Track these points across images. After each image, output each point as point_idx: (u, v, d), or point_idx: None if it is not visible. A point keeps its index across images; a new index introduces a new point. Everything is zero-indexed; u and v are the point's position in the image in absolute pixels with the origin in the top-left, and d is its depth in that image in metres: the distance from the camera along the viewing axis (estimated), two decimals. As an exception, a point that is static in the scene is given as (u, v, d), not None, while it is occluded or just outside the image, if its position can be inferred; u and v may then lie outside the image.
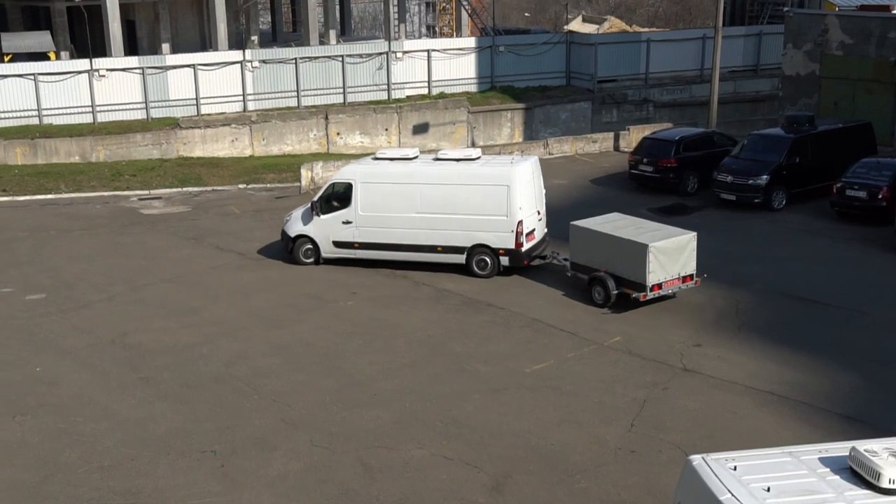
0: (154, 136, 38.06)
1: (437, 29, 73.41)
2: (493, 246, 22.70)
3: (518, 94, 44.39)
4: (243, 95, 40.50)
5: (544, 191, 24.36)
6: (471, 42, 45.55)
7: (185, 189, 33.84)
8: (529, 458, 14.35)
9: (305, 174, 33.41)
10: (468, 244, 22.86)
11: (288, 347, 18.77)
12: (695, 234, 20.94)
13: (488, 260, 22.79)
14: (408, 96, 43.30)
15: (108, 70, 38.59)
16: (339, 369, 17.65)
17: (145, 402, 16.38)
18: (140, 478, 13.97)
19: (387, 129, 41.56)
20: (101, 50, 43.51)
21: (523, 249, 22.65)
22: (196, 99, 39.67)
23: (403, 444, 14.81)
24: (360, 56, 42.51)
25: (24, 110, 37.75)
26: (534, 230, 23.18)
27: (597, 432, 15.12)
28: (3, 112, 37.54)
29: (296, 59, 41.27)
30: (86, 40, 40.25)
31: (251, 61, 40.57)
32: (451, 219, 22.84)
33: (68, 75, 38.24)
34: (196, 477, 13.97)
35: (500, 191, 22.45)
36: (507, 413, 15.79)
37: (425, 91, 43.76)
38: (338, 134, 40.92)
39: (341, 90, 42.06)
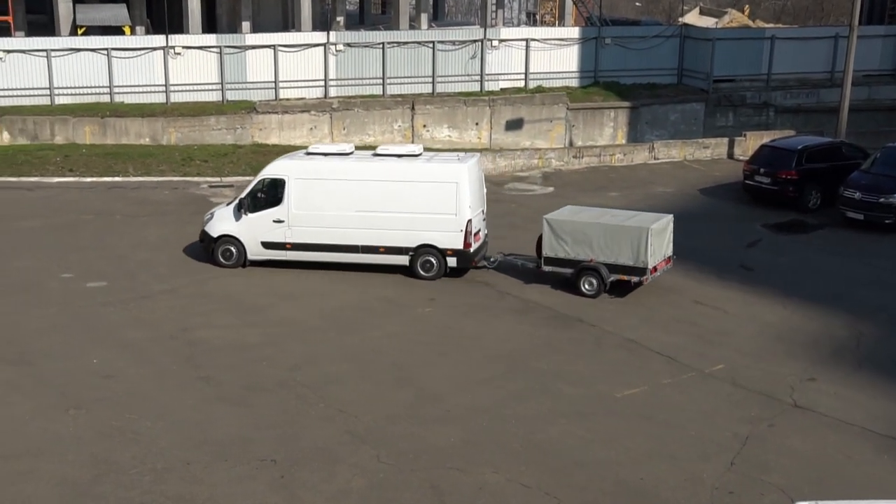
0: (229, 121, 38.87)
1: (537, 17, 73.30)
2: (441, 246, 23.14)
3: (623, 91, 44.03)
4: (325, 80, 41.06)
5: (485, 190, 24.90)
6: (574, 32, 45.35)
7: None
8: (615, 492, 14.22)
9: (387, 168, 33.60)
10: (413, 244, 23.25)
11: (358, 354, 18.97)
12: (672, 216, 23.15)
13: (434, 261, 23.26)
14: (502, 89, 43.31)
15: (183, 48, 39.55)
16: (412, 381, 17.76)
17: (204, 403, 16.74)
18: (194, 484, 14.28)
19: (477, 124, 41.65)
20: (178, 26, 44.61)
21: (472, 249, 23.21)
22: (275, 82, 40.38)
23: (477, 466, 14.81)
24: (453, 43, 42.70)
25: (95, 87, 38.93)
26: (479, 230, 23.81)
27: (692, 469, 14.90)
28: (74, 88, 38.77)
29: (383, 43, 41.68)
30: (163, 15, 41.30)
31: (335, 44, 41.12)
32: (394, 218, 23.18)
33: (143, 51, 39.31)
34: (254, 487, 14.21)
35: (449, 188, 22.95)
36: (593, 440, 15.67)
37: (521, 84, 43.73)
38: (424, 126, 41.17)
39: (430, 79, 42.31)
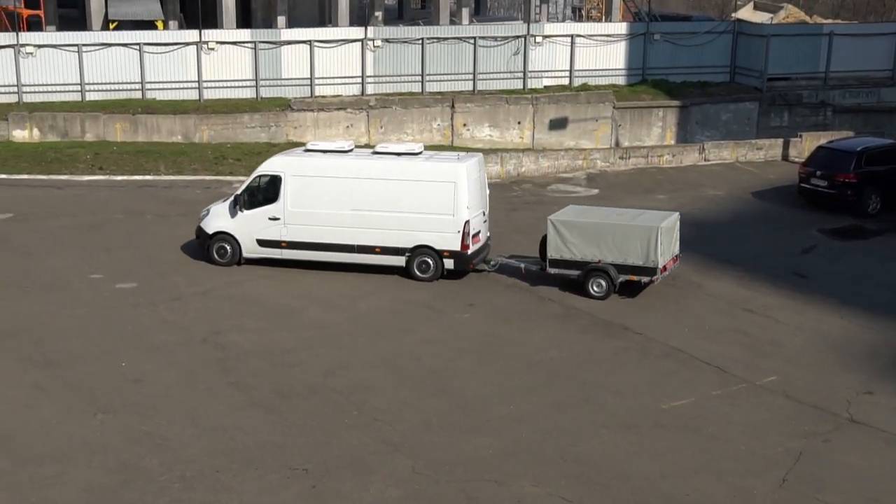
0: (263, 118, 39.13)
1: (583, 12, 73.01)
2: (437, 247, 23.32)
3: (672, 89, 43.77)
4: (362, 77, 41.22)
5: (488, 191, 25.00)
6: (621, 28, 45.18)
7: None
8: (660, 508, 14.14)
9: (425, 168, 33.66)
10: (409, 245, 23.45)
11: (394, 360, 19.02)
12: (678, 213, 23.52)
13: (431, 262, 23.44)
14: (545, 86, 43.23)
15: (217, 43, 39.88)
16: (449, 389, 17.77)
17: (235, 409, 16.86)
18: (224, 492, 14.38)
19: (519, 123, 41.61)
20: (212, 21, 45.00)
21: (469, 252, 23.39)
22: (310, 79, 40.59)
23: (516, 479, 14.79)
24: (495, 39, 42.71)
25: (126, 83, 39.36)
26: (479, 232, 23.93)
27: (741, 485, 14.77)
28: (105, 84, 39.23)
29: (422, 39, 41.77)
30: (196, 10, 41.68)
31: (373, 40, 41.26)
32: (391, 217, 23.43)
33: (175, 47, 39.70)
34: (285, 496, 14.29)
35: (447, 188, 23.16)
36: (638, 454, 15.59)
37: (566, 81, 43.62)
38: (464, 125, 41.19)
39: (471, 76, 42.33)
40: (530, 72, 43.04)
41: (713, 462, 15.40)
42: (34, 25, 44.86)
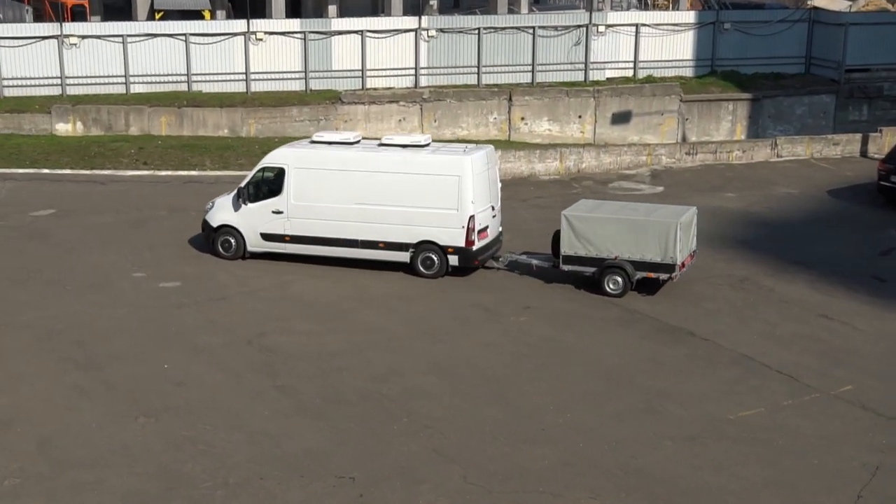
0: (312, 111, 39.39)
1: (649, 0, 72.48)
2: (441, 243, 23.57)
3: (743, 81, 43.33)
4: (415, 69, 41.31)
5: (500, 185, 25.25)
6: (689, 17, 44.82)
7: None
8: (727, 525, 13.98)
9: (481, 164, 33.65)
10: (413, 240, 23.73)
11: (447, 365, 19.01)
12: (695, 208, 23.70)
13: (435, 258, 23.69)
14: (608, 78, 43.02)
15: (266, 33, 40.21)
16: (504, 396, 17.73)
17: (281, 415, 16.96)
18: (268, 500, 14.46)
19: (580, 117, 41.44)
20: (260, 10, 45.41)
21: (474, 248, 23.54)
22: (362, 70, 40.78)
23: (573, 491, 14.71)
24: (555, 28, 42.57)
25: (172, 75, 39.84)
26: (487, 227, 24.04)
27: (813, 501, 14.56)
28: (150, 76, 39.73)
29: (479, 29, 41.76)
30: (244, -1, 42.16)
31: (427, 30, 41.34)
32: (394, 212, 23.69)
33: (223, 37, 40.09)
34: (331, 506, 14.35)
35: (451, 181, 23.33)
36: (703, 467, 15.44)
37: (630, 73, 43.36)
38: (522, 119, 41.11)
39: (530, 68, 42.24)
40: (592, 63, 42.84)
41: (783, 476, 15.19)
42: (78, 16, 45.62)
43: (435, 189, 23.45)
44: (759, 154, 36.85)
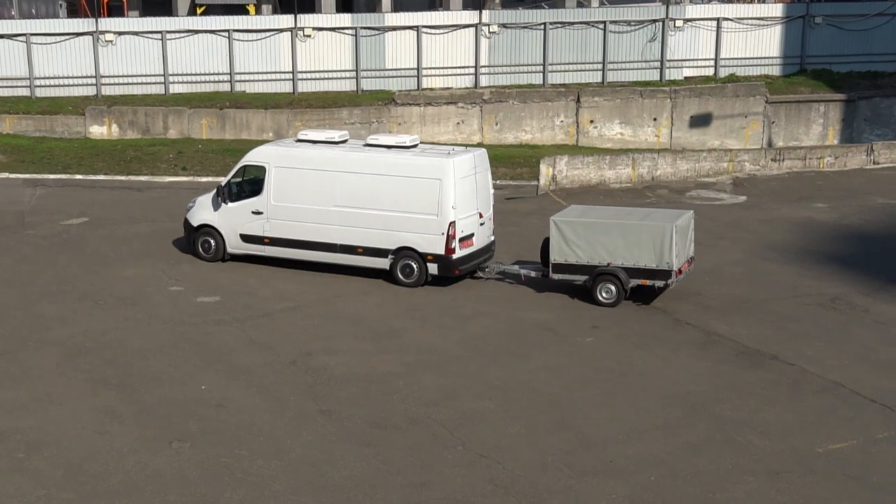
0: (363, 113, 39.62)
1: (732, -9, 72.06)
2: (421, 250, 24.13)
3: (836, 80, 42.86)
4: (475, 67, 41.40)
5: (493, 191, 25.71)
6: (776, 10, 44.44)
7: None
8: (814, 569, 13.77)
9: (546, 171, 33.72)
10: (393, 246, 24.32)
11: (506, 389, 18.96)
12: (692, 212, 24.14)
13: (415, 266, 24.25)
14: (686, 77, 42.80)
15: (314, 29, 40.56)
16: (569, 424, 17.63)
17: (325, 441, 17.00)
18: (311, 534, 14.49)
19: (655, 119, 41.25)
20: (308, 4, 45.78)
21: (455, 256, 24.03)
22: (417, 69, 40.97)
23: (644, 529, 14.57)
24: (628, 23, 42.45)
25: (214, 73, 40.34)
26: (472, 235, 24.51)
27: (912, 544, 14.29)
28: (191, 75, 40.26)
29: (545, 24, 41.77)
30: (292, -8, 42.57)
31: (488, 25, 41.43)
32: (374, 215, 24.37)
33: (268, 34, 40.49)
34: (378, 541, 14.34)
35: (432, 185, 23.87)
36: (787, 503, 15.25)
37: (710, 72, 43.12)
38: (591, 122, 41.01)
39: (600, 66, 42.17)
40: (669, 61, 42.64)
41: (878, 517, 14.94)
42: (115, 10, 46.34)
43: (415, 193, 23.99)
44: (853, 161, 36.41)
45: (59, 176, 34.81)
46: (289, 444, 16.90)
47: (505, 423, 17.66)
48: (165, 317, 22.50)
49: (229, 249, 25.85)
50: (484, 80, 41.62)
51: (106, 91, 40.10)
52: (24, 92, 40.18)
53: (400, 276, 24.37)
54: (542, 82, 41.84)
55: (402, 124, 39.84)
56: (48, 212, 30.57)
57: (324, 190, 24.66)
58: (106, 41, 39.75)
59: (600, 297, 23.01)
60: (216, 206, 25.83)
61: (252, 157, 25.74)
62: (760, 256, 27.21)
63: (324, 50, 40.74)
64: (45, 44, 39.77)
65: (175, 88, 40.31)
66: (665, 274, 22.70)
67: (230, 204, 25.64)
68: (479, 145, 39.81)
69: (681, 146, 40.54)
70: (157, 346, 20.86)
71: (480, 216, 24.83)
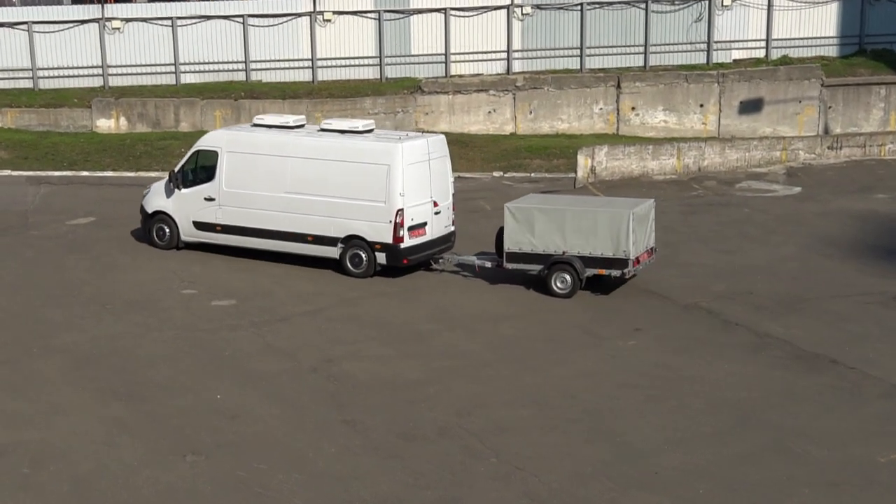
0: (388, 102, 39.67)
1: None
2: (369, 239, 24.98)
3: (899, 61, 42.58)
4: (508, 52, 41.37)
5: (452, 179, 26.38)
6: (832, -14, 44.17)
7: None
8: (876, 588, 13.70)
9: (584, 162, 33.67)
10: (342, 235, 25.21)
11: (542, 396, 18.95)
12: (653, 200, 24.83)
13: (363, 255, 25.09)
14: (735, 60, 42.61)
15: (334, 13, 40.65)
16: (610, 433, 17.60)
17: (349, 453, 17.04)
18: (334, 552, 14.53)
19: (702, 106, 41.08)
20: (328, -14, 45.87)
21: (403, 245, 24.77)
22: (445, 55, 40.98)
23: (692, 546, 14.54)
24: (672, 3, 42.30)
25: (228, 62, 40.50)
26: (424, 224, 25.25)
27: (982, 561, 14.18)
28: (203, 63, 40.45)
29: (581, 4, 41.68)
30: (310, -27, 42.69)
31: (521, 6, 41.40)
32: (323, 203, 25.27)
33: (285, 19, 40.61)
34: (406, 560, 14.36)
35: (379, 171, 24.70)
36: (848, 519, 15.16)
37: (761, 54, 42.90)
38: (633, 109, 40.90)
39: (642, 49, 42.04)
40: (716, 42, 42.46)
41: (946, 532, 14.84)
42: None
43: (364, 179, 24.73)
44: (913, 148, 36.20)
45: (64, 173, 35.05)
46: (310, 456, 16.95)
47: (541, 432, 17.66)
48: (178, 322, 22.62)
49: (183, 237, 26.91)
50: (517, 66, 41.57)
51: (113, 82, 40.34)
52: (27, 84, 40.46)
53: (349, 266, 25.23)
54: (579, 67, 41.73)
55: (430, 114, 39.87)
56: (53, 211, 30.80)
57: (274, 176, 25.60)
58: (113, 29, 39.99)
59: (555, 288, 23.68)
60: (169, 193, 26.87)
61: (205, 142, 26.91)
62: (816, 252, 27.07)
63: (345, 35, 40.82)
64: (49, 32, 40.05)
65: (187, 78, 40.50)
66: (622, 263, 23.35)
67: (183, 190, 26.70)
68: (512, 135, 39.88)
69: (730, 134, 40.36)
70: (169, 353, 20.98)
71: (435, 205, 25.46)
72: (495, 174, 35.80)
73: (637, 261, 23.62)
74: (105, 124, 39.19)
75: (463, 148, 37.30)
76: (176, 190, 26.79)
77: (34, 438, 17.41)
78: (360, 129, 25.83)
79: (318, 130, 26.36)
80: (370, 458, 16.89)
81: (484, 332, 22.04)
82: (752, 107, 41.34)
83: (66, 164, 35.67)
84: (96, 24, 40.00)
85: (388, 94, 39.96)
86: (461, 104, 40.20)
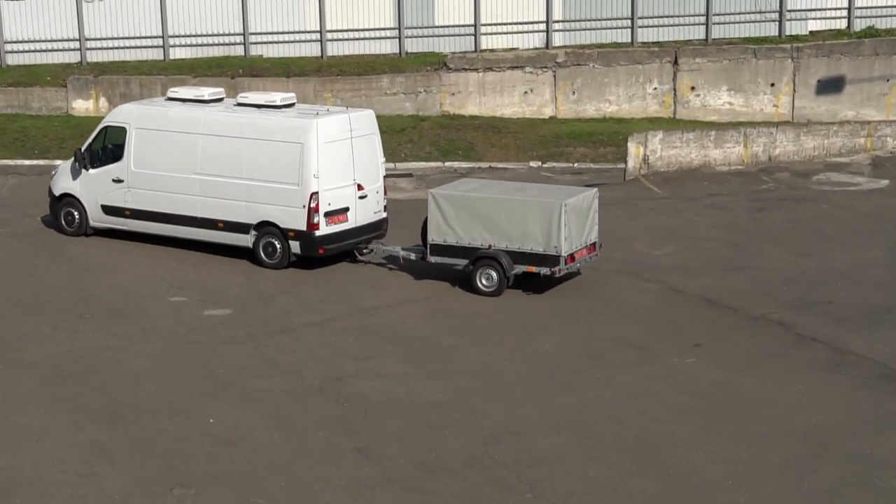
0: (408, 81, 39.67)
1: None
2: (283, 225, 25.77)
3: None
4: (547, 23, 41.33)
5: (383, 160, 27.27)
6: (926, -56, 44.01)
7: (447, 164, 35.02)
8: None
9: (635, 151, 33.62)
10: (254, 221, 26.06)
11: (583, 421, 18.95)
12: (596, 189, 25.45)
13: (277, 244, 25.92)
14: (811, 32, 42.47)
15: (346, -23, 40.70)
16: (661, 464, 17.59)
17: (361, 486, 17.09)
18: None
19: (773, 85, 40.96)
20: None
21: (318, 233, 25.52)
22: (475, 26, 40.96)
23: None
24: (738, -36, 42.22)
25: (223, 34, 40.58)
26: (346, 210, 25.99)
27: None
28: (196, 36, 40.53)
29: (633, -33, 41.65)
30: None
31: (563, -32, 41.38)
32: (234, 185, 26.18)
33: (289, -16, 40.67)
34: None
35: (292, 150, 25.50)
36: (940, 565, 15.12)
37: (842, 24, 42.76)
38: (692, 89, 40.82)
39: (703, 19, 41.94)
40: (789, 11, 42.33)
41: None
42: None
43: (277, 159, 25.46)
44: None
45: (35, 162, 35.23)
46: (316, 489, 17.02)
47: (582, 463, 17.66)
48: (165, 333, 22.72)
49: (91, 223, 27.87)
50: (557, 39, 41.50)
51: (92, 57, 40.48)
52: (-7, 59, 40.73)
53: (263, 255, 26.12)
54: (630, 40, 41.65)
55: (456, 94, 39.83)
56: (22, 206, 30.95)
57: (184, 155, 26.41)
58: (92, -4, 40.17)
59: (480, 285, 24.37)
60: (76, 174, 27.69)
61: (113, 118, 27.88)
62: (906, 255, 27.03)
63: (358, 3, 40.77)
64: (19, 0, 40.21)
65: (176, 53, 40.59)
66: (553, 260, 23.92)
67: (91, 171, 27.55)
68: (552, 119, 39.84)
69: (805, 118, 40.22)
70: (155, 370, 21.06)
71: (360, 188, 26.01)
72: (532, 164, 35.79)
73: (572, 258, 24.18)
74: (82, 106, 39.32)
75: (495, 134, 37.32)
76: (83, 170, 27.64)
77: (1, 466, 17.50)
78: (279, 103, 26.44)
79: (235, 105, 27.01)
80: (385, 492, 16.94)
81: (515, 345, 22.06)
82: (831, 86, 41.20)
83: (38, 152, 35.84)
84: (73, -9, 40.16)
85: (408, 71, 39.94)
86: (493, 83, 40.16)
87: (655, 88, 40.81)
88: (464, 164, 35.05)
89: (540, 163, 35.78)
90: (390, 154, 35.07)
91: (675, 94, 40.86)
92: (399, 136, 36.65)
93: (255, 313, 23.72)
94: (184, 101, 27.51)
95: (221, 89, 28.54)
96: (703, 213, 29.99)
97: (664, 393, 20.01)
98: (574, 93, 40.49)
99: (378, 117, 38.23)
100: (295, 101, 27.18)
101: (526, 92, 40.36)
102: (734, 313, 23.41)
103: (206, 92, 27.66)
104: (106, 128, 27.86)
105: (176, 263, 26.51)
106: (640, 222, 29.94)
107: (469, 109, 39.65)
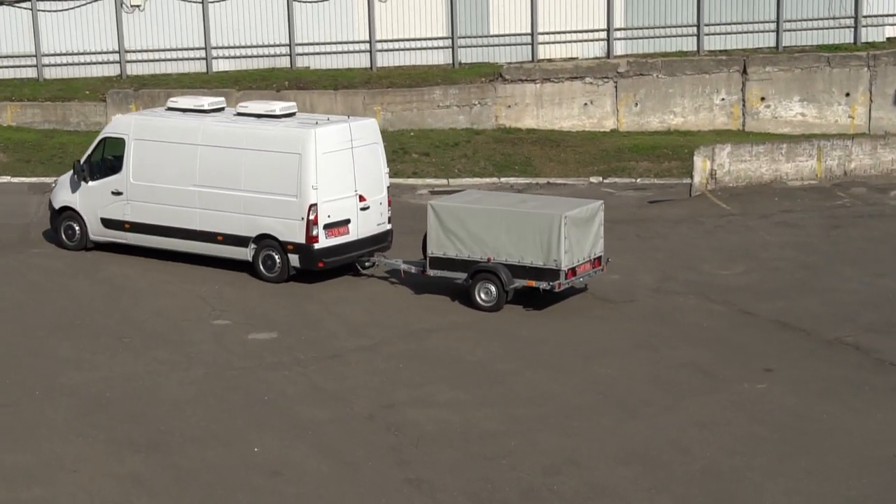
0: (461, 93, 39.70)
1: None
2: (282, 238, 26.23)
3: None
4: (608, 31, 41.30)
5: (386, 170, 27.56)
6: None
7: (503, 179, 34.99)
8: None
9: (702, 165, 33.50)
10: (253, 234, 26.57)
11: (648, 451, 18.85)
12: (602, 202, 25.57)
13: (276, 257, 26.43)
14: (888, 39, 42.23)
15: (396, -15, 40.82)
16: (731, 498, 17.48)
17: (412, 519, 17.09)
18: None
19: (848, 95, 40.75)
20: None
21: (318, 246, 25.89)
22: (532, 35, 40.98)
23: None
24: (810, -33, 42.06)
25: (269, 45, 40.79)
26: (347, 222, 26.30)
27: None
28: (240, 48, 40.74)
29: (699, -30, 41.57)
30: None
31: (625, -26, 41.36)
32: (233, 197, 26.63)
33: (337, -8, 40.84)
34: None
35: (290, 161, 25.85)
36: None
37: (921, 30, 42.46)
38: (762, 99, 40.67)
39: (773, 26, 41.79)
40: (865, 17, 42.12)
41: None
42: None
43: (275, 170, 25.76)
44: None
45: (73, 179, 35.50)
46: (365, 522, 17.01)
47: (647, 495, 17.58)
48: (208, 358, 22.81)
49: (91, 236, 28.36)
50: (619, 48, 41.46)
51: (132, 70, 40.77)
52: (30, 73, 41.04)
53: (262, 269, 26.64)
54: (696, 48, 41.55)
55: (512, 106, 39.82)
56: (59, 225, 31.20)
57: (183, 167, 26.70)
58: (132, 6, 40.42)
59: (479, 300, 24.74)
60: (75, 186, 28.10)
61: (111, 129, 28.33)
62: None
63: (409, 12, 40.89)
64: (56, 11, 40.56)
65: (220, 65, 40.82)
66: (553, 274, 24.17)
67: (90, 183, 27.97)
68: (614, 132, 39.77)
69: (883, 130, 39.97)
70: (197, 397, 21.14)
71: (362, 199, 26.21)
72: (593, 180, 35.72)
73: (573, 272, 24.35)
74: (122, 121, 39.56)
75: (553, 148, 37.29)
76: (82, 183, 28.07)
77: (35, 497, 17.60)
78: (278, 112, 26.72)
79: (235, 115, 27.34)
80: (438, 526, 16.92)
81: (575, 370, 22.00)
82: (911, 96, 41.03)
83: (76, 169, 36.11)
84: (112, 2, 40.45)
85: (461, 82, 39.98)
86: (551, 94, 40.15)
87: (723, 99, 40.68)
88: (520, 180, 35.02)
89: (601, 178, 35.72)
90: (444, 170, 35.23)
91: (743, 104, 40.72)
92: (452, 151, 36.70)
93: (301, 337, 23.78)
94: (184, 110, 27.92)
95: (223, 99, 28.98)
96: (774, 230, 29.80)
97: (733, 421, 19.88)
98: (637, 104, 40.43)
99: (430, 131, 38.74)
100: (296, 109, 27.51)
101: (586, 104, 40.32)
102: (807, 337, 23.26)
103: (207, 101, 28.08)
104: (105, 139, 28.32)
105: (219, 285, 26.63)
106: (706, 241, 29.80)
107: (526, 122, 39.64)
